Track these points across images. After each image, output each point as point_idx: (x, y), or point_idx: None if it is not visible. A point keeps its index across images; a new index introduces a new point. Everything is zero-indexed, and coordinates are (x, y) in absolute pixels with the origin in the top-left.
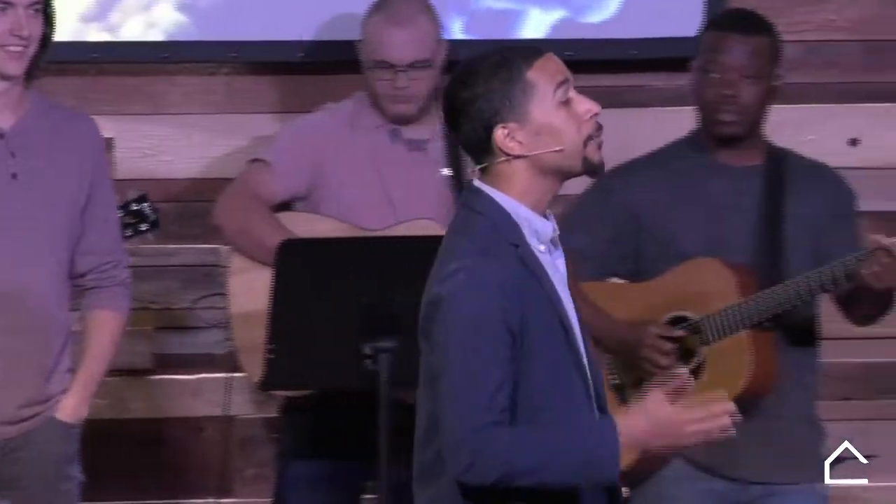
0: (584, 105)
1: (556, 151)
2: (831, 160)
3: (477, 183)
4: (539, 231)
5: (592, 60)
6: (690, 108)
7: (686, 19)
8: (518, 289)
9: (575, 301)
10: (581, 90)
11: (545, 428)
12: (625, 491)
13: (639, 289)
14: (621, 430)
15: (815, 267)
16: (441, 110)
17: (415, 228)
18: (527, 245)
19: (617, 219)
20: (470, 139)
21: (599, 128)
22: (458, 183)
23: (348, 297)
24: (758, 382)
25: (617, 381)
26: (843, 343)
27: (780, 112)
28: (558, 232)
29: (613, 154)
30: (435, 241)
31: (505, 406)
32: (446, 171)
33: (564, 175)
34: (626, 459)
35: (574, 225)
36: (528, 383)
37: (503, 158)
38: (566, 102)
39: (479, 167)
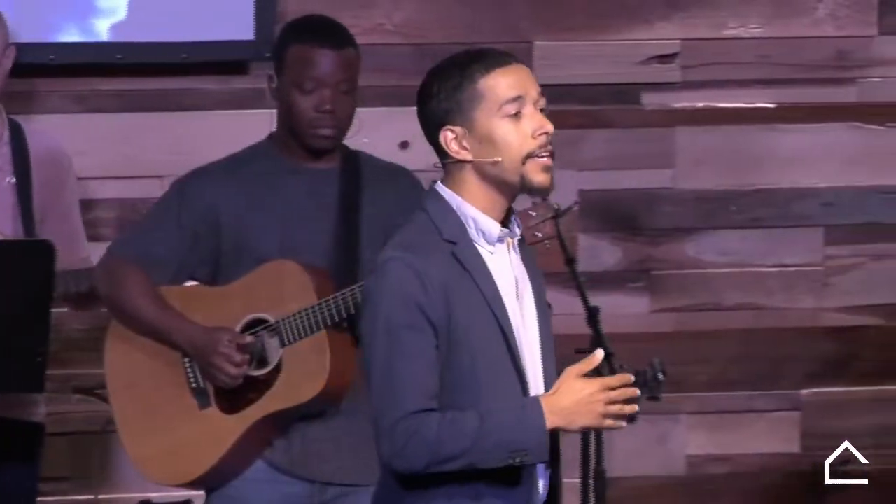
0: (535, 123)
1: (494, 162)
2: None
3: (438, 182)
4: (485, 231)
5: (144, 63)
6: (248, 111)
7: (239, 24)
8: (443, 284)
9: (157, 305)
10: (131, 94)
11: (471, 412)
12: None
13: (217, 292)
14: (545, 408)
15: None
16: (5, 115)
17: None
18: (468, 243)
19: (194, 222)
20: (427, 135)
21: (546, 149)
22: (24, 190)
23: None
24: (336, 383)
25: (195, 385)
26: None
27: None
28: (517, 234)
29: (169, 158)
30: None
31: (433, 393)
32: (11, 179)
33: (507, 187)
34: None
35: (150, 229)
36: (455, 376)
37: (451, 160)
38: (515, 116)
39: (439, 164)
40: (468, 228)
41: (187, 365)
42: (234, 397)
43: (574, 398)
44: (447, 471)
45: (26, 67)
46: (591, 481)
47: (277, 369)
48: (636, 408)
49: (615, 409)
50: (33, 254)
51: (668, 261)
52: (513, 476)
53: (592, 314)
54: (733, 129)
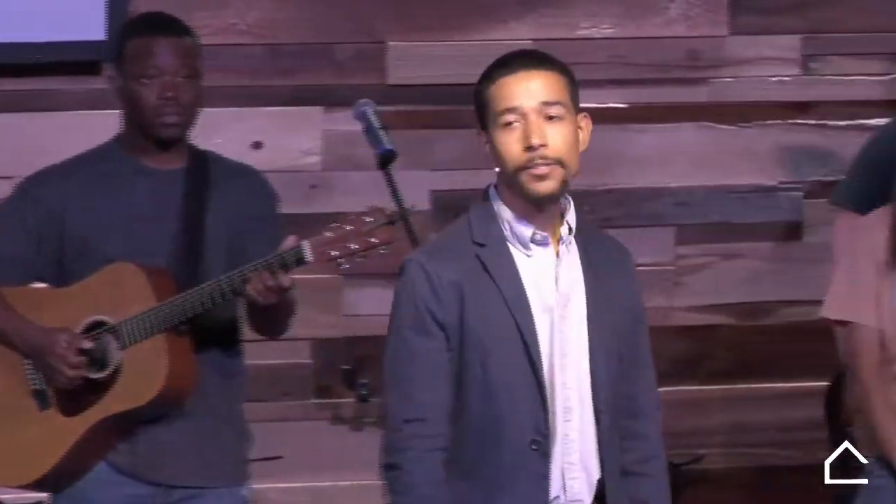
0: (525, 135)
1: (501, 171)
2: None
3: (491, 184)
4: (518, 234)
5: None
6: (101, 111)
7: (91, 24)
8: (456, 284)
9: None
10: None
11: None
12: (46, 497)
13: (60, 294)
14: None
15: (230, 269)
16: None
17: None
18: (500, 246)
19: (38, 223)
20: None
21: (537, 162)
22: None
23: None
24: (175, 385)
25: (37, 387)
26: (248, 346)
27: None
28: (567, 240)
29: (22, 159)
30: None
31: (439, 400)
32: None
33: (518, 196)
34: None
35: None
36: (468, 377)
37: None
38: (509, 127)
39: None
40: (504, 231)
41: (27, 366)
42: (74, 399)
43: None
44: None
45: None
46: None
47: (117, 371)
48: None
49: None
50: None
51: None
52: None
53: None
54: (597, 128)
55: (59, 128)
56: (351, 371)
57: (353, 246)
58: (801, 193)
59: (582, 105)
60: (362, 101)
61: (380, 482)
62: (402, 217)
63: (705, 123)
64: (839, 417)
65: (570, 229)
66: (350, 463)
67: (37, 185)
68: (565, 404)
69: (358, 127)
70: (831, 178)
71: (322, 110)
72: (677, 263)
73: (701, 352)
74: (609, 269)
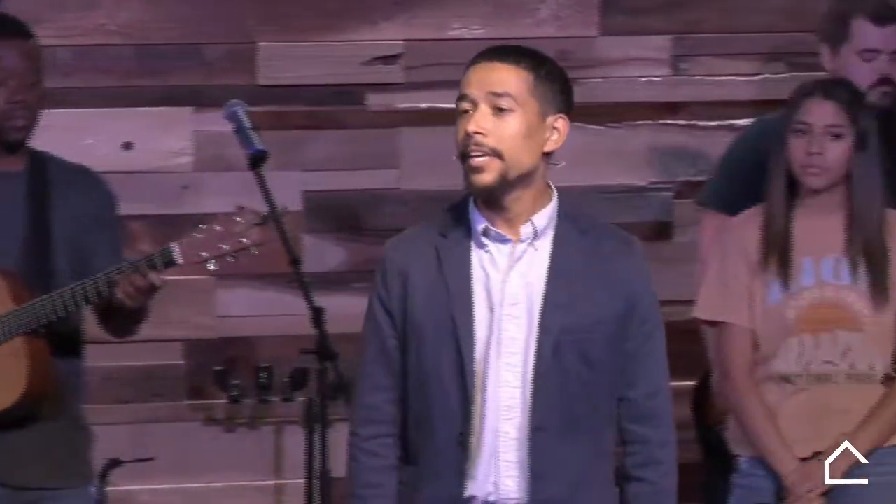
0: (465, 124)
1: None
2: (107, 165)
3: None
4: (474, 228)
5: None
6: None
7: None
8: (402, 273)
9: None
10: None
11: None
12: None
13: None
14: None
15: (79, 271)
16: None
17: None
18: (461, 238)
19: None
20: None
21: (471, 150)
22: None
23: None
24: (36, 389)
25: None
26: (120, 347)
27: (54, 117)
28: (526, 237)
29: None
30: None
31: (383, 384)
32: None
33: None
34: None
35: None
36: (409, 365)
37: None
38: (462, 114)
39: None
40: (470, 223)
41: None
42: None
43: None
44: None
45: None
46: (316, 482)
47: None
48: None
49: None
50: None
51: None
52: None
53: (317, 315)
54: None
55: None
56: (223, 372)
57: (223, 247)
58: (671, 193)
59: (452, 105)
60: (233, 101)
61: (251, 483)
62: (273, 218)
63: (576, 124)
64: (707, 417)
65: (534, 231)
66: (222, 464)
67: None
68: (507, 402)
69: (229, 127)
70: (701, 179)
71: (192, 111)
72: None
73: None
74: (594, 272)
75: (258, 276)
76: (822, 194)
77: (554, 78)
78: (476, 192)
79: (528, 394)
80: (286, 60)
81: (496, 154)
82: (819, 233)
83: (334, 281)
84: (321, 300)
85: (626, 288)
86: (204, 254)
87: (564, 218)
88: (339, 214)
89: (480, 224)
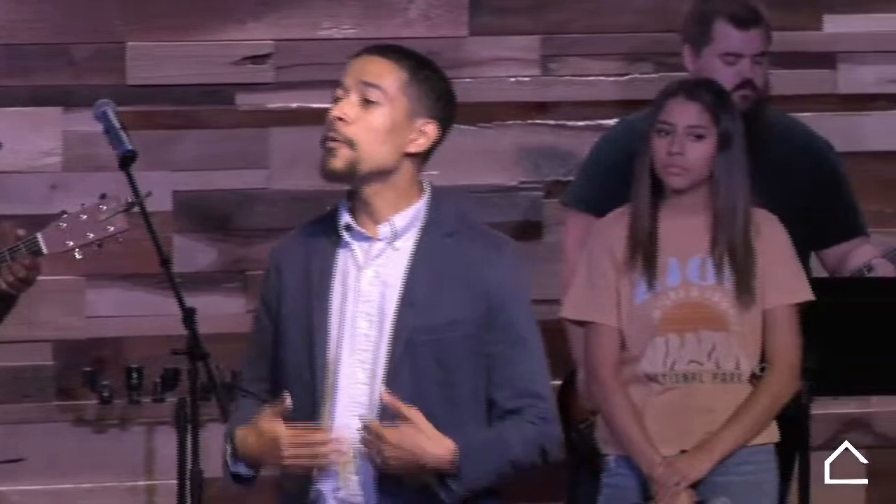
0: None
1: None
2: None
3: None
4: (340, 223)
5: None
6: None
7: None
8: (277, 269)
9: None
10: None
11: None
12: None
13: None
14: (238, 442)
15: None
16: None
17: None
18: (329, 235)
19: None
20: None
21: (327, 136)
22: None
23: None
24: None
25: None
26: None
27: None
28: (384, 237)
29: None
30: None
31: (260, 375)
32: None
33: None
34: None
35: None
36: (279, 355)
37: None
38: (335, 100)
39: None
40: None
41: None
42: None
43: (259, 440)
44: None
45: None
46: (189, 482)
47: None
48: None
49: (294, 461)
50: None
51: (263, 261)
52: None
53: (188, 315)
54: None
55: None
56: (93, 372)
57: (89, 235)
58: (541, 193)
59: (323, 105)
60: (102, 101)
61: (122, 484)
62: (141, 210)
63: None
64: (571, 416)
65: (393, 231)
66: (91, 465)
67: None
68: (358, 399)
69: (98, 127)
70: (570, 178)
71: (61, 111)
72: None
73: None
74: (454, 275)
75: (128, 276)
76: (687, 194)
77: (432, 84)
78: (323, 176)
79: (378, 392)
80: (154, 60)
81: (349, 143)
82: (685, 233)
83: (205, 281)
84: (191, 300)
85: (488, 291)
86: (70, 242)
87: (432, 220)
88: (209, 214)
89: (343, 219)
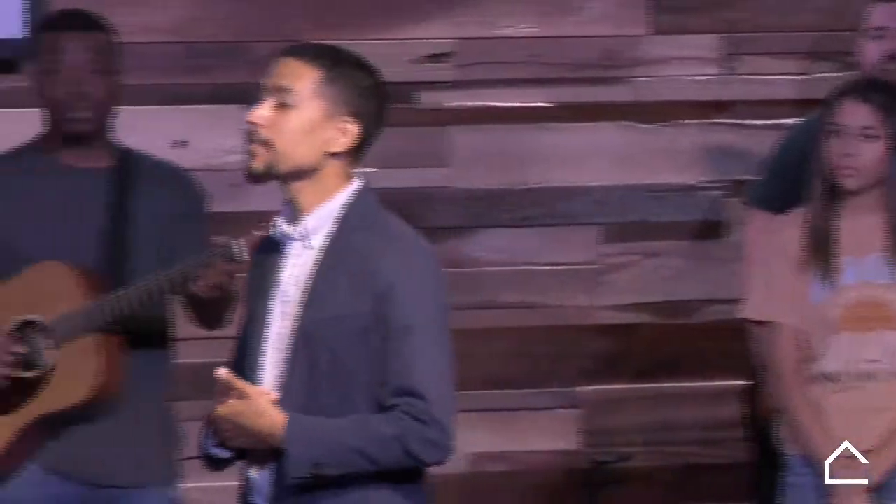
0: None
1: None
2: None
3: None
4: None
5: None
6: (20, 110)
7: (7, 21)
8: (252, 267)
9: None
10: None
11: None
12: None
13: None
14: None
15: (161, 268)
16: None
17: None
18: (277, 232)
19: None
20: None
21: (249, 137)
22: None
23: None
24: (108, 385)
25: None
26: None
27: None
28: (300, 235)
29: None
30: None
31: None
32: None
33: None
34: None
35: None
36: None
37: None
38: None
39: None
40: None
41: None
42: (4, 399)
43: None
44: None
45: None
46: None
47: (49, 371)
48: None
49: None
50: None
51: (444, 259)
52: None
53: None
54: (506, 127)
55: None
56: None
57: None
58: (720, 192)
59: (501, 104)
60: None
61: None
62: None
63: (624, 122)
64: (759, 416)
65: (305, 230)
66: None
67: None
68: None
69: None
70: (749, 177)
71: (242, 109)
72: (599, 262)
73: (623, 350)
74: (348, 270)
75: None
76: (861, 195)
77: (351, 81)
78: (246, 178)
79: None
80: None
81: (266, 144)
82: (861, 232)
83: None
84: None
85: (378, 285)
86: None
87: (347, 217)
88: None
89: (278, 220)
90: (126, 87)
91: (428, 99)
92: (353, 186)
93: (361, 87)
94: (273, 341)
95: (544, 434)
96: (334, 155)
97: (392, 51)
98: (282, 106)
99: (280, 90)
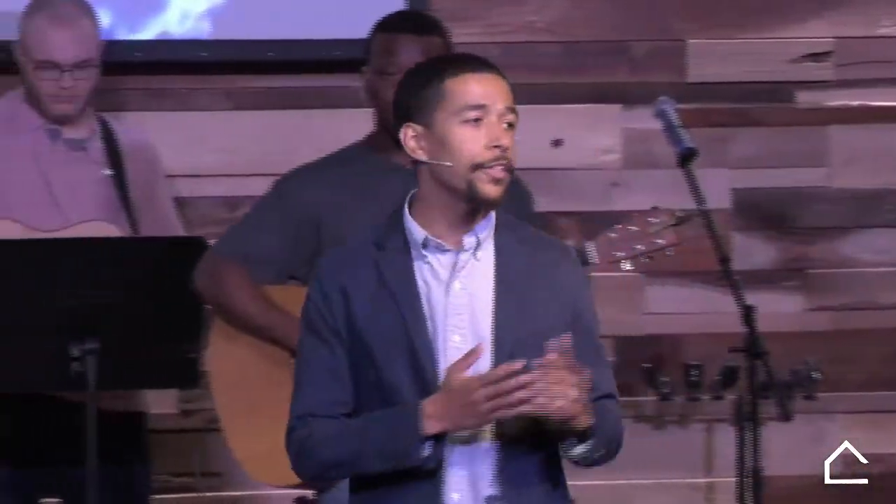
0: (492, 134)
1: (447, 166)
2: (537, 161)
3: None
4: (413, 240)
5: (296, 61)
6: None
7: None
8: (342, 289)
9: (260, 303)
10: (280, 91)
11: (359, 418)
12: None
13: None
14: (425, 409)
15: None
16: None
17: (90, 230)
18: (398, 248)
19: (295, 221)
20: (394, 130)
21: (499, 162)
22: (121, 182)
23: (41, 299)
24: None
25: None
26: None
27: None
28: (469, 246)
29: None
30: (113, 242)
31: (329, 399)
32: (108, 172)
33: (458, 194)
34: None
35: (251, 227)
36: (362, 381)
37: (413, 158)
38: (474, 123)
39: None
40: (407, 235)
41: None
42: None
43: (451, 399)
44: (343, 476)
45: (177, 65)
46: (748, 480)
47: None
48: (522, 397)
49: (492, 404)
50: (186, 251)
51: (822, 259)
52: (415, 480)
53: (748, 313)
54: (886, 127)
55: (338, 125)
56: (652, 369)
57: (638, 247)
58: None
59: (883, 103)
60: (662, 98)
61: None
62: (703, 215)
63: None
64: None
65: (477, 241)
66: (651, 462)
67: (291, 183)
68: None
69: (656, 125)
70: None
71: (620, 108)
72: None
73: None
74: (539, 283)
75: (686, 273)
76: None
77: None
78: (488, 204)
79: None
80: (714, 58)
81: (512, 171)
82: None
83: (763, 279)
84: (750, 298)
85: (570, 297)
86: (619, 253)
87: (503, 228)
88: (768, 212)
89: (420, 235)
90: None
91: (806, 98)
92: None
93: None
94: (444, 358)
95: None
96: None
97: (770, 49)
98: (509, 126)
99: (508, 111)
